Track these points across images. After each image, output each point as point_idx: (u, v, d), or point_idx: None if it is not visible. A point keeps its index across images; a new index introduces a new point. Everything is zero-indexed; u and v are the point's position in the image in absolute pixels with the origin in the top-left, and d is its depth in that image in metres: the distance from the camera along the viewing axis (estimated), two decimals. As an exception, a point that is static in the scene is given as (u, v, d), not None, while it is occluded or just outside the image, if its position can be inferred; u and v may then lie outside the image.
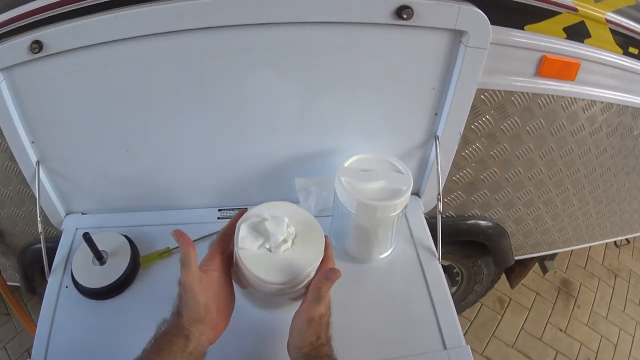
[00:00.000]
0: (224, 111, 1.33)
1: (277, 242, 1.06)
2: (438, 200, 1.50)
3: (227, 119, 1.35)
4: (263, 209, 1.12)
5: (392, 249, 1.44)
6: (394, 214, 1.27)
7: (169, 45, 1.16)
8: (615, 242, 2.87)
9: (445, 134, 1.42)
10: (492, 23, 1.20)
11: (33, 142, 1.36)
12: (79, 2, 1.11)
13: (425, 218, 1.58)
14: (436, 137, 1.45)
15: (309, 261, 1.06)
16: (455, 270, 2.43)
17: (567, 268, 3.46)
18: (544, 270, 2.53)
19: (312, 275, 1.07)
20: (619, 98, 1.56)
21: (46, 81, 1.22)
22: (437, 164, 1.46)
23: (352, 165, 1.33)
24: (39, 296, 2.04)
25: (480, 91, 1.38)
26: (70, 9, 1.12)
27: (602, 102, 1.54)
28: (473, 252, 2.20)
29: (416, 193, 1.63)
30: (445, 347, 1.22)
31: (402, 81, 1.31)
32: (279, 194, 1.45)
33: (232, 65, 1.23)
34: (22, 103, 1.26)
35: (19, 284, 2.02)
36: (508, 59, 1.33)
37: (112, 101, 1.28)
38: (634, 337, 3.15)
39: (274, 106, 1.34)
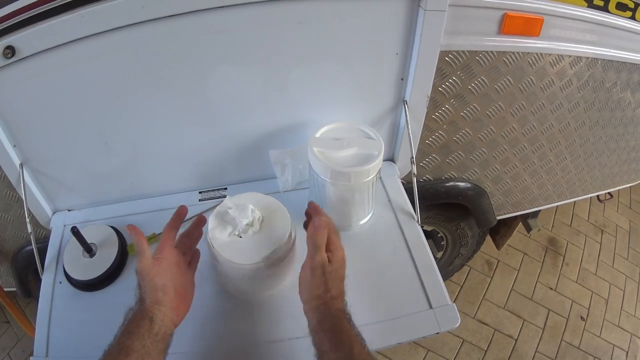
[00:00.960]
0: (192, 96, 1.38)
1: (243, 227, 1.17)
2: (412, 163, 1.56)
3: (196, 103, 1.40)
4: (227, 201, 1.22)
5: (370, 215, 1.50)
6: (368, 178, 1.32)
7: (135, 37, 1.20)
8: (598, 197, 2.94)
9: (413, 98, 1.48)
10: (448, -16, 1.25)
11: (15, 146, 1.39)
12: (45, 3, 1.14)
13: (403, 183, 1.64)
14: (404, 102, 1.50)
15: (278, 239, 1.17)
16: (439, 235, 2.49)
17: (552, 226, 3.54)
18: (528, 228, 2.59)
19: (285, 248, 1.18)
20: (587, 51, 1.60)
21: (22, 84, 1.25)
22: (408, 128, 1.52)
23: (324, 135, 1.39)
24: (35, 299, 2.11)
25: (444, 53, 1.42)
26: (38, 12, 1.15)
27: (570, 56, 1.58)
28: (455, 215, 2.25)
29: (390, 159, 1.70)
30: (431, 307, 1.29)
31: (365, 49, 1.36)
32: (256, 171, 1.51)
33: (196, 50, 1.27)
34: (1, 108, 1.30)
35: (15, 289, 2.06)
36: (469, 19, 1.37)
37: (86, 97, 1.32)
38: (624, 290, 3.25)
39: (240, 86, 1.38)
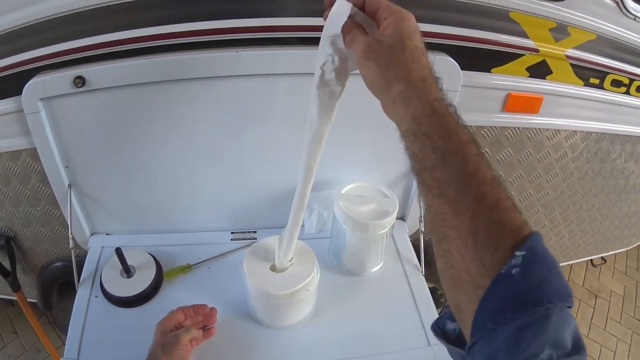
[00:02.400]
0: (232, 148, 1.63)
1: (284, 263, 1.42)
2: (420, 222, 1.81)
3: (235, 154, 1.65)
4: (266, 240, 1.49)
5: (382, 264, 1.73)
6: (383, 231, 1.58)
7: (195, 89, 1.47)
8: (592, 262, 3.14)
9: (424, 164, 1.71)
10: (462, 69, 1.52)
11: (66, 167, 1.59)
12: (120, 45, 1.38)
13: (411, 240, 1.87)
14: (416, 168, 1.74)
15: (305, 276, 1.42)
16: (438, 292, 2.69)
17: (546, 292, 3.72)
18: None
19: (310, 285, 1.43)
20: (582, 125, 1.86)
21: (84, 113, 1.47)
22: (417, 190, 1.75)
23: (348, 192, 1.65)
24: (51, 315, 2.32)
25: (453, 127, 1.67)
26: (112, 50, 1.39)
27: (566, 130, 1.85)
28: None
29: (402, 217, 1.92)
30: (429, 344, 1.51)
31: (384, 120, 1.58)
32: (284, 219, 1.73)
33: (245, 108, 1.54)
34: (59, 131, 1.50)
35: (35, 300, 2.19)
36: (477, 98, 1.65)
37: (143, 135, 1.56)
38: (615, 352, 3.40)
39: (274, 144, 1.63)
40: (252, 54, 1.42)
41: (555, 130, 1.83)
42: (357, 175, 1.72)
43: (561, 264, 2.49)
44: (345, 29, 0.88)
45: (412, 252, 1.80)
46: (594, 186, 2.14)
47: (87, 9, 1.33)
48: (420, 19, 1.33)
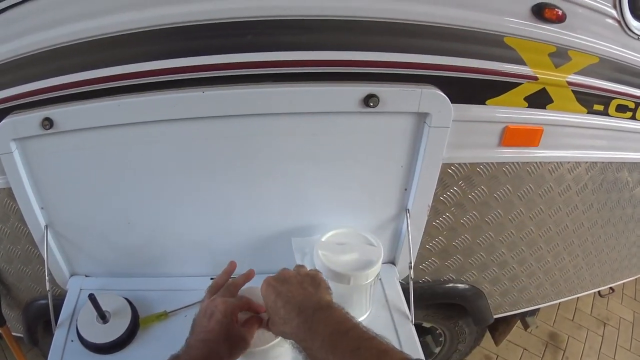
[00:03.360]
0: (211, 191, 1.59)
1: None
2: (410, 268, 1.71)
3: (217, 197, 1.61)
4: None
5: (368, 313, 1.63)
6: (367, 282, 1.50)
7: (165, 131, 1.43)
8: (599, 292, 3.07)
9: (415, 207, 1.64)
10: (453, 102, 1.42)
11: (42, 208, 1.60)
12: (88, 85, 1.36)
13: (402, 284, 1.77)
14: (407, 210, 1.66)
15: None
16: (438, 331, 2.62)
17: (554, 321, 3.66)
18: (525, 326, 2.72)
19: None
20: (587, 156, 1.77)
21: (56, 154, 1.47)
22: (408, 235, 1.67)
23: (330, 239, 1.58)
24: (39, 348, 2.32)
25: (446, 165, 1.59)
26: (80, 90, 1.37)
27: (569, 162, 1.75)
28: (453, 313, 2.38)
29: (392, 261, 1.84)
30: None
31: (373, 161, 1.55)
32: (266, 264, 1.64)
33: (221, 150, 1.49)
34: (33, 171, 1.51)
35: (21, 335, 2.22)
36: (471, 133, 1.54)
37: (114, 177, 1.54)
38: (624, 381, 3.38)
39: (257, 188, 1.59)
40: (219, 93, 1.37)
41: (557, 163, 1.73)
42: (344, 218, 1.67)
43: (566, 299, 2.46)
44: None
45: (401, 299, 1.71)
46: (599, 217, 2.06)
47: (53, 47, 1.34)
48: (404, 48, 1.36)
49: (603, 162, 1.83)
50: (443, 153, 1.52)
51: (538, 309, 2.62)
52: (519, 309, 2.37)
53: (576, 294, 2.47)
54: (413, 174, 1.58)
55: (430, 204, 1.64)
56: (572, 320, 3.70)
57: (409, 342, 1.56)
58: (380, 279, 1.64)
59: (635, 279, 2.69)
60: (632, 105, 1.70)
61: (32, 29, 1.33)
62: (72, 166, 1.51)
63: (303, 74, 1.38)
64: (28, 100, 1.41)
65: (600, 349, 3.52)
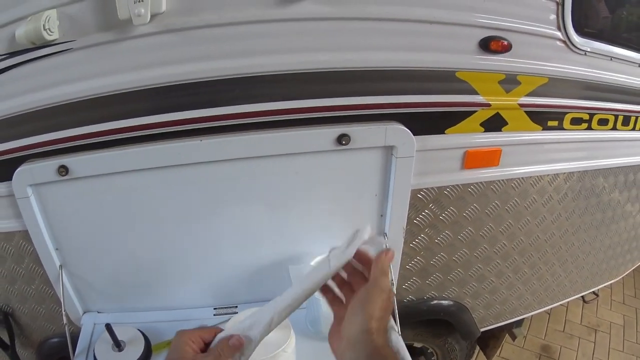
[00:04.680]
0: (212, 228, 1.81)
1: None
2: (392, 284, 1.91)
3: (215, 234, 1.83)
4: (241, 314, 1.60)
5: None
6: None
7: (168, 176, 1.68)
8: (583, 298, 3.26)
9: (392, 230, 1.85)
10: (416, 134, 1.66)
11: (57, 249, 1.80)
12: (100, 136, 1.62)
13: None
14: (385, 234, 1.87)
15: (282, 340, 1.53)
16: (429, 351, 2.78)
17: (545, 334, 3.84)
18: (513, 337, 2.91)
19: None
20: (548, 169, 1.98)
21: (70, 199, 1.70)
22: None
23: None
24: None
25: (415, 191, 1.81)
26: (94, 141, 1.63)
27: (531, 177, 1.96)
28: (441, 330, 2.55)
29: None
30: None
31: (351, 192, 1.79)
32: (264, 292, 1.86)
33: (217, 191, 1.74)
34: (48, 215, 1.73)
35: None
36: (435, 160, 1.77)
37: (122, 218, 1.77)
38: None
39: (248, 223, 1.82)
40: (214, 141, 1.63)
41: (520, 179, 1.94)
42: (327, 245, 1.76)
43: (550, 306, 2.65)
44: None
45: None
46: (570, 225, 2.26)
47: (69, 102, 1.60)
48: (370, 91, 1.62)
49: (565, 173, 2.03)
50: (411, 180, 1.74)
51: (523, 320, 2.79)
52: (503, 321, 2.54)
53: (559, 301, 2.65)
54: (387, 201, 1.80)
55: (404, 227, 1.85)
56: (563, 331, 3.88)
57: (396, 345, 1.73)
58: None
59: (623, 283, 2.86)
60: (586, 117, 1.92)
61: (48, 84, 1.59)
62: (83, 209, 1.73)
63: (285, 121, 1.64)
64: (45, 149, 1.66)
65: (593, 354, 3.70)
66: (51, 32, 1.49)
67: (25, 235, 1.79)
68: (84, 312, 1.97)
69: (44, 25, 1.46)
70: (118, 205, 1.74)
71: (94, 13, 1.51)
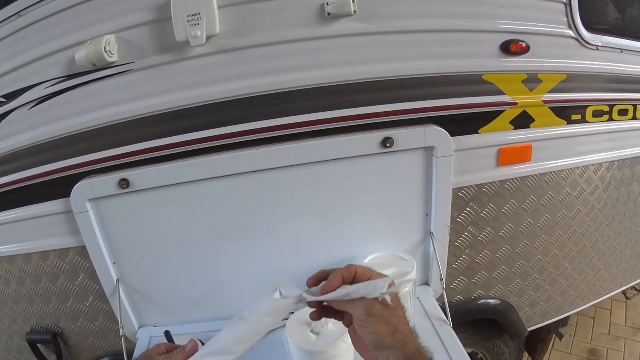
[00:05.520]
0: (270, 238, 1.93)
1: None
2: (441, 279, 2.02)
3: (270, 241, 1.94)
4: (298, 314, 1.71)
5: (410, 324, 1.92)
6: (405, 290, 1.79)
7: (226, 186, 1.80)
8: (625, 295, 3.32)
9: (437, 229, 1.98)
10: (452, 135, 1.80)
11: (115, 263, 1.90)
12: (158, 151, 1.80)
13: (441, 305, 2.03)
14: (431, 233, 2.00)
15: (341, 331, 1.62)
16: (479, 357, 2.83)
17: (591, 339, 3.90)
18: (560, 337, 2.97)
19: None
20: (577, 161, 2.11)
21: (129, 212, 1.81)
22: (436, 255, 2.01)
23: (371, 261, 1.92)
24: None
25: (456, 190, 1.95)
26: (152, 156, 1.80)
27: (563, 170, 2.09)
28: (490, 333, 2.64)
29: (426, 283, 2.15)
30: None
31: (396, 193, 1.92)
32: None
33: (273, 199, 1.86)
34: (107, 229, 1.83)
35: None
36: (472, 159, 1.91)
37: (183, 232, 1.87)
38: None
39: (306, 230, 1.94)
40: (270, 150, 1.78)
41: (552, 172, 2.07)
42: (380, 246, 2.00)
43: (593, 302, 2.69)
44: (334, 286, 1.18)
45: (438, 310, 1.99)
46: (605, 217, 2.36)
47: (127, 120, 1.78)
48: (408, 98, 1.80)
49: (594, 165, 2.16)
50: (451, 178, 1.88)
51: (568, 319, 2.87)
52: (549, 319, 2.60)
53: (601, 297, 2.69)
54: (431, 200, 1.93)
55: (449, 225, 1.97)
56: (609, 334, 3.92)
57: (450, 341, 1.83)
58: (418, 297, 1.98)
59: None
60: (606, 109, 2.06)
61: (110, 103, 1.77)
62: (142, 222, 1.84)
63: (332, 129, 1.81)
64: (102, 166, 1.82)
65: (640, 354, 3.78)
66: (112, 54, 1.68)
67: (80, 251, 1.91)
68: (140, 327, 2.06)
69: (105, 48, 1.65)
70: (176, 217, 1.86)
71: (152, 37, 1.71)
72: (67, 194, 1.81)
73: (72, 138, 1.82)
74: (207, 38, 1.67)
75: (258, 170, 1.79)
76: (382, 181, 1.88)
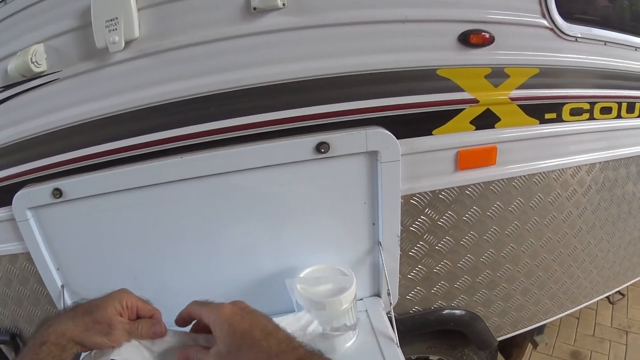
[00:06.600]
0: (207, 244, 1.82)
1: None
2: (388, 294, 1.85)
3: (209, 249, 1.83)
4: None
5: (353, 339, 1.77)
6: (342, 307, 1.65)
7: (155, 194, 1.71)
8: (609, 300, 3.18)
9: (386, 239, 1.79)
10: (400, 137, 1.60)
11: (58, 269, 1.86)
12: (89, 159, 1.73)
13: (396, 316, 1.88)
14: (379, 243, 1.81)
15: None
16: None
17: (575, 340, 3.76)
18: (535, 345, 2.82)
19: None
20: (552, 164, 1.91)
21: (66, 220, 1.79)
22: (383, 266, 1.82)
23: (308, 275, 1.77)
24: None
25: (408, 197, 1.76)
26: (85, 164, 1.74)
27: (534, 174, 1.89)
28: (456, 342, 2.46)
29: (376, 294, 1.98)
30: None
31: (339, 202, 1.74)
32: (264, 306, 1.81)
33: (204, 207, 1.74)
34: (48, 236, 1.83)
35: None
36: (425, 163, 1.71)
37: (118, 237, 1.80)
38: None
39: (242, 238, 1.81)
40: (195, 157, 1.67)
41: (522, 177, 1.88)
42: (326, 256, 1.85)
43: (572, 310, 2.55)
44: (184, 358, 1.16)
45: (386, 326, 1.82)
46: (583, 223, 2.18)
47: (58, 129, 1.73)
48: (348, 97, 1.59)
49: (571, 167, 1.96)
50: (399, 185, 1.68)
51: (544, 326, 2.72)
52: (522, 328, 2.45)
53: (581, 304, 2.55)
54: (377, 209, 1.74)
55: (399, 234, 1.79)
56: (593, 335, 3.79)
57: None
58: (366, 310, 1.84)
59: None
60: (587, 107, 1.86)
61: (39, 113, 1.73)
62: (80, 230, 1.79)
63: (264, 133, 1.65)
64: (41, 174, 1.78)
65: (625, 357, 3.61)
66: (39, 64, 1.65)
67: (28, 257, 1.88)
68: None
69: (31, 59, 1.62)
70: (111, 225, 1.79)
71: (76, 44, 1.65)
72: (10, 202, 1.80)
73: (11, 147, 1.82)
74: (127, 42, 1.59)
75: (185, 179, 1.68)
76: (320, 189, 1.72)
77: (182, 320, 1.28)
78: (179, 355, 1.17)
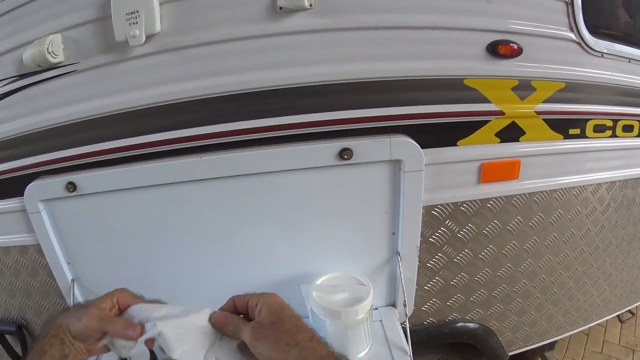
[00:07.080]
0: (222, 244, 1.80)
1: None
2: (404, 306, 1.83)
3: (225, 251, 1.81)
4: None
5: (367, 350, 1.74)
6: (358, 317, 1.61)
7: (172, 193, 1.69)
8: (619, 318, 3.14)
9: (404, 249, 1.76)
10: (425, 147, 1.57)
11: (69, 263, 1.84)
12: (106, 154, 1.70)
13: (410, 327, 1.85)
14: (398, 253, 1.78)
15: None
16: None
17: (583, 357, 3.71)
18: (545, 360, 2.79)
19: None
20: (573, 180, 1.87)
21: (79, 214, 1.78)
22: (401, 277, 1.80)
23: (324, 282, 1.73)
24: None
25: (429, 207, 1.72)
26: (100, 159, 1.71)
27: (556, 190, 1.85)
28: (468, 354, 2.45)
29: (392, 304, 1.95)
30: None
31: (359, 209, 1.72)
32: None
33: (221, 208, 1.73)
34: (59, 229, 1.81)
35: None
36: (448, 174, 1.68)
37: (129, 234, 1.78)
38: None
39: (259, 241, 1.79)
40: (214, 158, 1.64)
41: (544, 192, 1.83)
42: (343, 263, 1.82)
43: (583, 327, 2.52)
44: (222, 322, 1.19)
45: (401, 337, 1.80)
46: (600, 241, 2.14)
47: (74, 121, 1.70)
48: (373, 103, 1.54)
49: (592, 185, 1.92)
50: (422, 196, 1.65)
51: (555, 342, 2.69)
52: (533, 344, 2.41)
53: (592, 322, 2.51)
54: (398, 218, 1.71)
55: (418, 245, 1.76)
56: (601, 352, 3.73)
57: None
58: (381, 320, 1.81)
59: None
60: (609, 124, 1.82)
61: (55, 104, 1.70)
62: (93, 224, 1.77)
63: (286, 137, 1.61)
64: (55, 167, 1.75)
65: (631, 376, 3.57)
66: (55, 55, 1.60)
67: (39, 249, 1.86)
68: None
69: (47, 49, 1.57)
70: (125, 222, 1.78)
71: (95, 36, 1.61)
72: (22, 193, 1.78)
73: (25, 138, 1.77)
74: (147, 37, 1.55)
75: (202, 179, 1.65)
76: (341, 195, 1.69)
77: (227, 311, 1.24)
78: (215, 317, 1.20)
